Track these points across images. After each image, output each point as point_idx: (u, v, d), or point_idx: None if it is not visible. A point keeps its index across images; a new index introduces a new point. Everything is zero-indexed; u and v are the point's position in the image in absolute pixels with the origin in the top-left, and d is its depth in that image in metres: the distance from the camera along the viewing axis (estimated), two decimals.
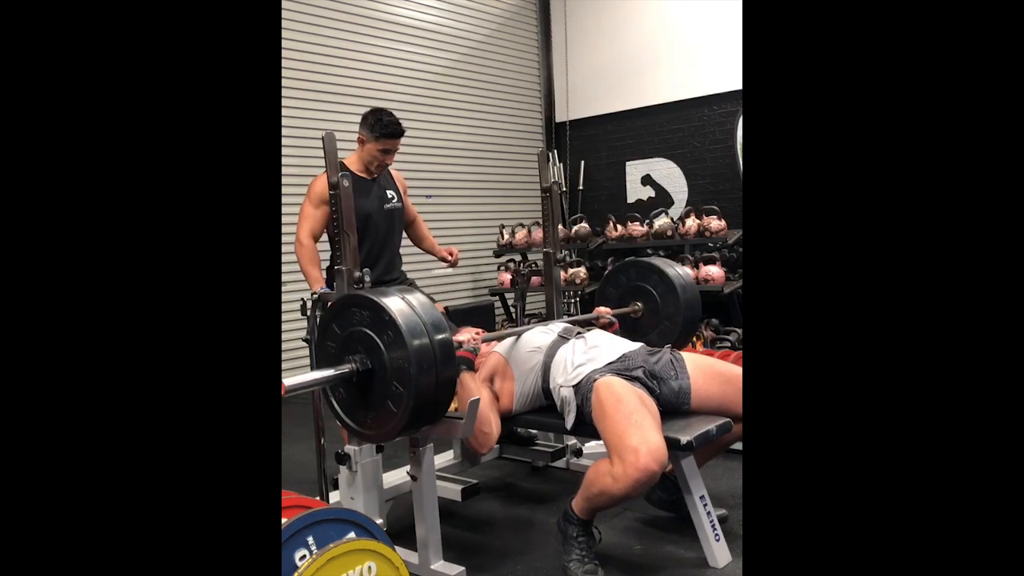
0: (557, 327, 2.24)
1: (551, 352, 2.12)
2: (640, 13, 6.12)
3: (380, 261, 2.74)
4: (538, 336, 2.20)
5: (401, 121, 2.73)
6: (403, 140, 2.79)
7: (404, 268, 2.96)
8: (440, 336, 1.63)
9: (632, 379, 1.96)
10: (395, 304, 1.62)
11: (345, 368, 1.65)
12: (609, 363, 2.02)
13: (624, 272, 2.77)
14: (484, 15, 6.23)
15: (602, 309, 2.60)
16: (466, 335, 2.10)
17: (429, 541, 1.93)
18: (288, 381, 1.55)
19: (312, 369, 2.17)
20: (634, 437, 1.75)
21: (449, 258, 3.03)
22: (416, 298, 1.66)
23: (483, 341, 2.18)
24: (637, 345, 2.16)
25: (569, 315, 2.77)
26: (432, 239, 3.14)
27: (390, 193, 2.79)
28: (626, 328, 2.66)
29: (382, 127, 2.66)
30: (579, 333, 2.19)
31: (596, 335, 2.19)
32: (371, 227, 2.69)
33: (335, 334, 1.71)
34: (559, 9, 6.65)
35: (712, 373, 2.05)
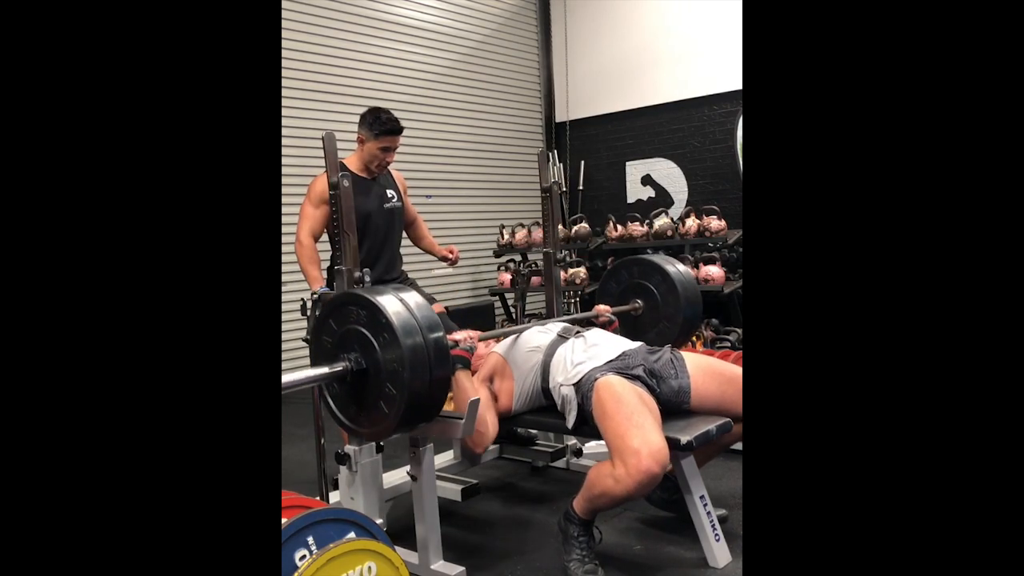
0: (556, 327, 2.24)
1: (550, 351, 2.12)
2: (640, 13, 6.12)
3: (380, 260, 2.74)
4: (537, 336, 2.20)
5: (401, 121, 2.73)
6: (403, 140, 2.79)
7: (404, 268, 2.96)
8: (434, 336, 1.63)
9: (632, 378, 1.96)
10: (391, 305, 1.62)
11: (339, 367, 1.66)
12: (609, 361, 2.02)
13: (627, 269, 2.75)
14: (484, 15, 6.23)
15: (601, 307, 2.59)
16: (462, 335, 2.11)
17: (429, 541, 1.93)
18: (283, 378, 1.55)
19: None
20: (635, 439, 1.75)
21: (450, 256, 3.03)
22: (412, 298, 1.67)
23: (480, 340, 2.18)
24: (637, 344, 2.16)
25: (569, 315, 2.77)
26: (431, 238, 3.14)
27: (390, 192, 2.79)
28: (625, 326, 2.65)
29: (381, 125, 2.66)
30: (578, 332, 2.19)
31: (595, 334, 2.19)
32: (371, 226, 2.69)
33: (331, 330, 1.72)
34: (559, 9, 6.65)
35: (712, 373, 2.05)
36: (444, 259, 3.05)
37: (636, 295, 2.71)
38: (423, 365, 1.60)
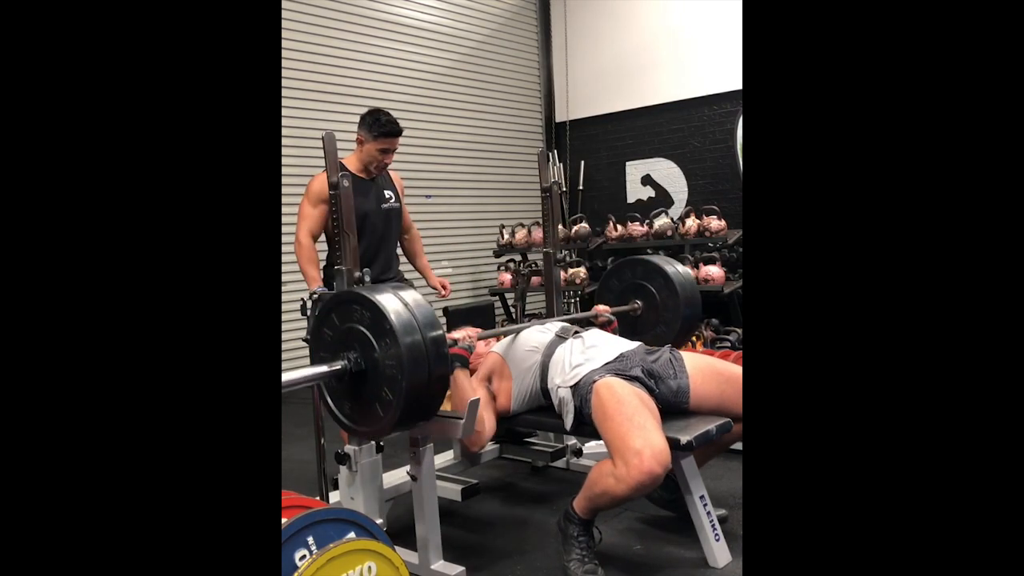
0: (555, 326, 2.24)
1: (549, 352, 2.11)
2: (640, 13, 6.12)
3: (377, 260, 2.74)
4: (536, 335, 2.20)
5: (401, 121, 2.74)
6: (403, 140, 2.80)
7: (402, 268, 2.97)
8: (433, 335, 1.63)
9: (631, 379, 1.96)
10: (392, 306, 1.62)
11: (338, 365, 1.68)
12: (607, 363, 2.02)
13: (629, 268, 2.75)
14: (484, 15, 6.23)
15: (601, 307, 2.58)
16: (461, 333, 2.11)
17: (429, 541, 1.93)
18: (283, 376, 1.56)
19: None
20: (637, 439, 1.74)
21: (442, 292, 3.06)
22: (411, 296, 1.68)
23: (479, 339, 2.18)
24: (635, 344, 2.16)
25: (569, 315, 2.77)
26: (426, 260, 3.14)
27: (387, 193, 2.80)
28: (625, 326, 2.65)
29: (380, 126, 2.67)
30: (576, 332, 2.19)
31: (594, 335, 2.19)
32: (368, 226, 2.70)
33: (333, 324, 1.73)
34: (559, 9, 6.65)
35: (711, 373, 2.05)
36: (433, 288, 3.07)
37: (636, 295, 2.70)
38: (422, 364, 1.60)
